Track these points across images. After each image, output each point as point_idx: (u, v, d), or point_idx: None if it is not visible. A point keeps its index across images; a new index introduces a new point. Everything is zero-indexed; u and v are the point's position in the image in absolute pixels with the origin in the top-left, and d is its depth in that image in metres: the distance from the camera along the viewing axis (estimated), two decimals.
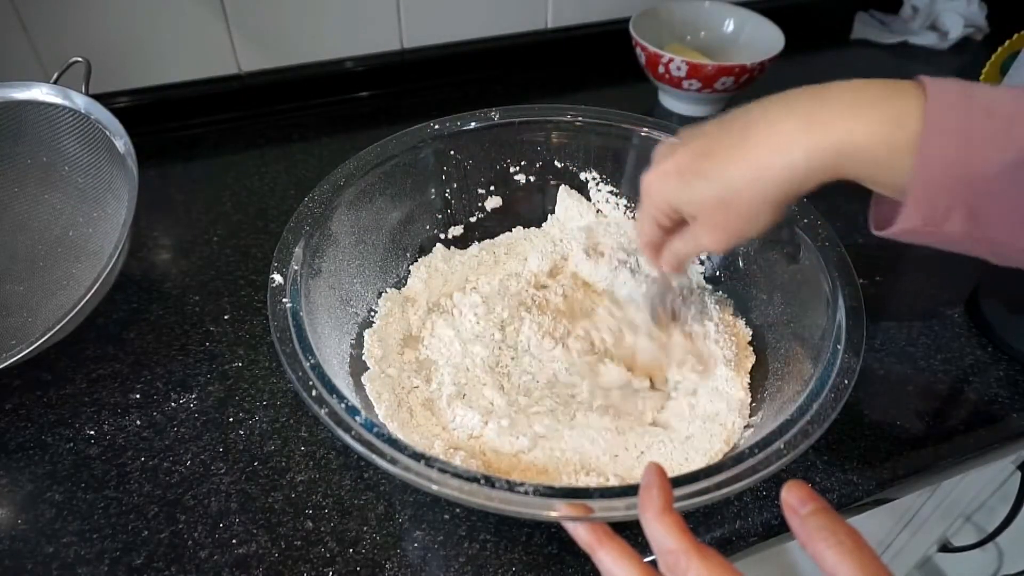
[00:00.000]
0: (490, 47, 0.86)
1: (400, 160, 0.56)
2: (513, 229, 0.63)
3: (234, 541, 0.44)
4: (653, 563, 0.32)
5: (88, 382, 0.53)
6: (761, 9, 0.83)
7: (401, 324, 0.54)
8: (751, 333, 0.54)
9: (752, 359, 0.52)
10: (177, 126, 0.78)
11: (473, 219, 0.62)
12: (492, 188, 0.61)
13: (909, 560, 0.89)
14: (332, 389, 0.40)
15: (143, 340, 0.56)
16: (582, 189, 0.62)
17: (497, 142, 0.60)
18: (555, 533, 0.45)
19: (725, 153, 0.38)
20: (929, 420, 0.52)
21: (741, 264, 0.57)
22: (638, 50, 0.78)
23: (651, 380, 0.51)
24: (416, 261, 0.59)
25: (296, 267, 0.47)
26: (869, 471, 0.49)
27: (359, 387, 0.48)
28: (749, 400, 0.49)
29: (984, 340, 0.58)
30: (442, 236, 0.61)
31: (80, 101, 0.57)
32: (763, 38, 0.80)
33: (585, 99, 0.78)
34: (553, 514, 0.34)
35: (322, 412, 0.38)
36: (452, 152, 0.58)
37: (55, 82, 0.58)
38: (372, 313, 0.54)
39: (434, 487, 0.35)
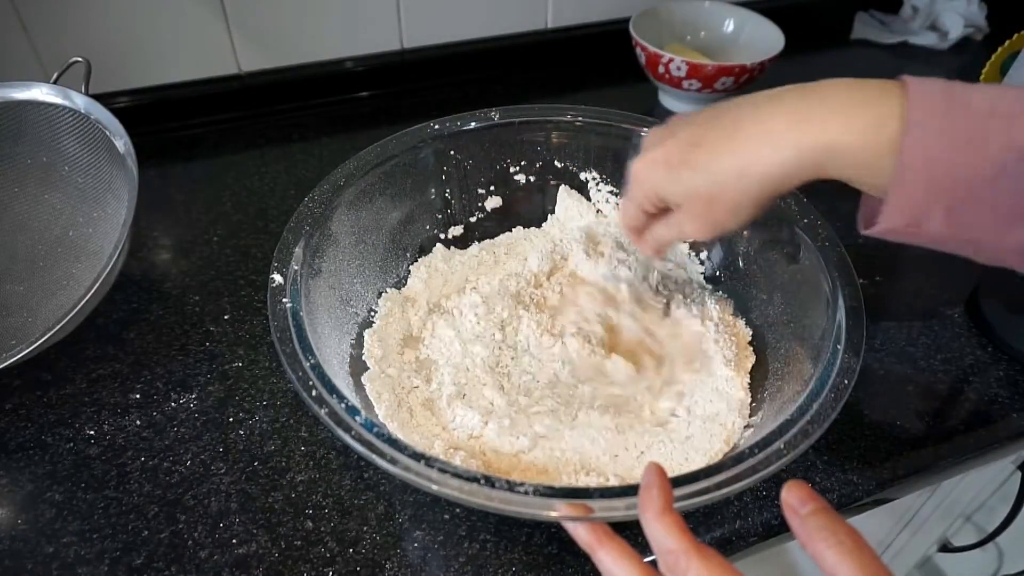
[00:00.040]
0: (490, 47, 0.86)
1: (400, 160, 0.56)
2: (513, 229, 0.63)
3: (234, 541, 0.44)
4: (653, 563, 0.32)
5: (88, 382, 0.53)
6: (761, 9, 0.83)
7: (401, 324, 0.54)
8: (751, 333, 0.54)
9: (752, 359, 0.52)
10: (177, 126, 0.78)
11: (473, 219, 0.62)
12: (492, 188, 0.61)
13: (909, 560, 0.89)
14: (332, 389, 0.40)
15: (143, 340, 0.56)
16: (582, 189, 0.62)
17: (497, 142, 0.60)
18: (555, 533, 0.45)
19: (713, 146, 0.38)
20: (929, 420, 0.52)
21: (741, 264, 0.57)
22: (638, 50, 0.78)
23: (635, 364, 0.51)
24: (416, 261, 0.59)
25: (296, 267, 0.47)
26: (869, 471, 0.49)
27: (359, 387, 0.48)
28: (749, 400, 0.49)
29: (984, 340, 0.58)
30: (442, 236, 0.61)
31: (80, 101, 0.57)
32: (763, 38, 0.80)
33: (585, 99, 0.78)
34: (553, 514, 0.34)
35: (322, 412, 0.38)
36: (452, 152, 0.58)
37: (55, 82, 0.58)
38: (372, 313, 0.54)
39: (434, 487, 0.35)
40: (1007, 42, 0.78)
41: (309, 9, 0.76)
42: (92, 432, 0.50)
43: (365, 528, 0.45)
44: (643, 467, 0.34)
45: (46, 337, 0.48)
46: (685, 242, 0.60)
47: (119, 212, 0.55)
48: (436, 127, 0.57)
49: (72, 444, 0.49)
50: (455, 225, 0.61)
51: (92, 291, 0.49)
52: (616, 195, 0.62)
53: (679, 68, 0.74)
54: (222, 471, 0.48)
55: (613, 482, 0.45)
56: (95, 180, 0.59)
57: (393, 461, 0.36)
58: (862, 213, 0.39)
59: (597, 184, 0.62)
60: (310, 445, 0.49)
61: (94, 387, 0.53)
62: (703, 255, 0.60)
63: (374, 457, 0.36)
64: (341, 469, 0.48)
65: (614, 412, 0.48)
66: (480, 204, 0.62)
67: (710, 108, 0.41)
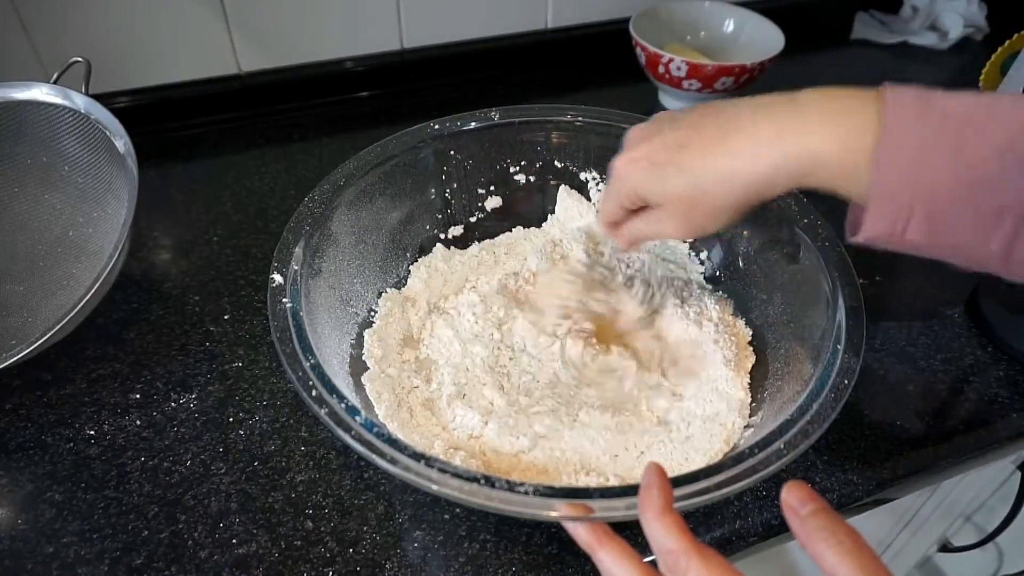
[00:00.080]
0: (490, 47, 0.86)
1: (400, 160, 0.56)
2: (513, 229, 0.63)
3: (234, 541, 0.44)
4: (653, 563, 0.32)
5: (88, 382, 0.53)
6: (761, 9, 0.83)
7: (401, 324, 0.54)
8: (751, 333, 0.54)
9: (752, 359, 0.52)
10: (177, 126, 0.78)
11: (473, 219, 0.62)
12: (492, 188, 0.61)
13: (909, 560, 0.89)
14: (332, 389, 0.40)
15: (143, 340, 0.56)
16: (582, 189, 0.62)
17: (497, 142, 0.60)
18: (555, 533, 0.45)
19: (699, 149, 0.39)
20: (929, 420, 0.52)
21: (741, 264, 0.57)
22: (638, 50, 0.78)
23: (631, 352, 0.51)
24: (416, 261, 0.59)
25: (296, 267, 0.47)
26: (869, 471, 0.49)
27: (359, 387, 0.48)
28: (749, 400, 0.49)
29: (984, 340, 0.58)
30: (442, 236, 0.61)
31: (80, 101, 0.57)
32: (763, 38, 0.80)
33: (585, 99, 0.78)
34: (553, 514, 0.34)
35: (322, 412, 0.38)
36: (452, 152, 0.58)
37: (55, 82, 0.58)
38: (372, 313, 0.54)
39: (434, 487, 0.35)
40: (1007, 42, 0.78)
41: (309, 9, 0.76)
42: (92, 432, 0.50)
43: (365, 528, 0.45)
44: (643, 467, 0.34)
45: (46, 337, 0.48)
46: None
47: (119, 212, 0.55)
48: (436, 127, 0.57)
49: (72, 444, 0.49)
50: (455, 225, 0.61)
51: (92, 291, 0.49)
52: None
53: (679, 68, 0.74)
54: (222, 471, 0.48)
55: (613, 482, 0.45)
56: (95, 180, 0.59)
57: (393, 461, 0.36)
58: (849, 221, 0.39)
59: (597, 184, 0.62)
60: (310, 445, 0.49)
61: (94, 387, 0.53)
62: (703, 255, 0.60)
63: (374, 457, 0.36)
64: (341, 469, 0.48)
65: (614, 412, 0.48)
66: (480, 204, 0.62)
67: (696, 109, 0.41)
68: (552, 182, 0.62)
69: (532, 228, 0.63)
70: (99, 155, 0.58)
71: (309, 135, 0.78)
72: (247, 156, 0.75)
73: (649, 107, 0.83)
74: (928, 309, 0.60)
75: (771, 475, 0.37)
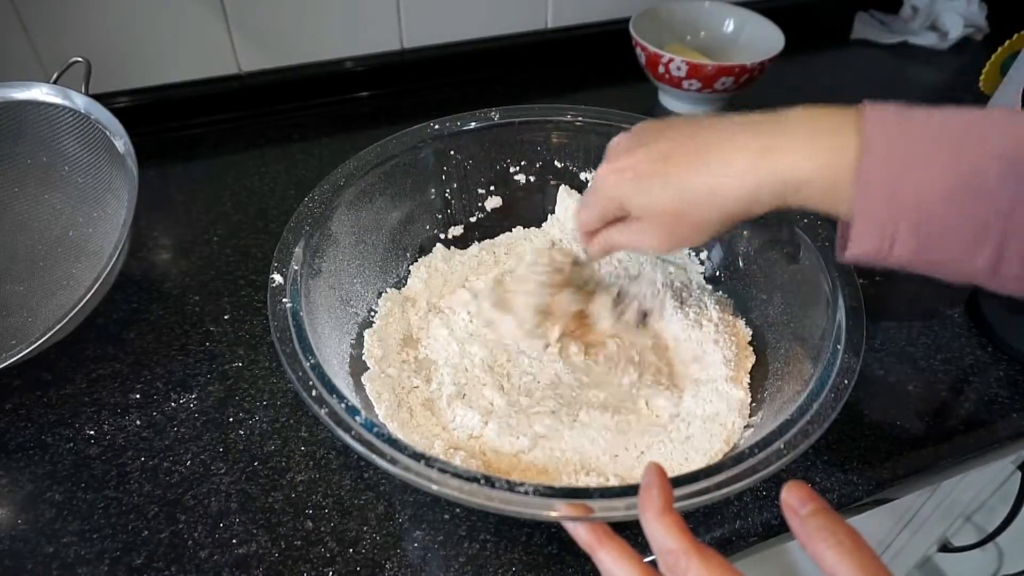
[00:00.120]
0: (490, 47, 0.86)
1: (400, 160, 0.56)
2: (513, 229, 0.63)
3: (234, 541, 0.44)
4: (653, 563, 0.32)
5: (88, 382, 0.53)
6: (761, 9, 0.83)
7: (401, 324, 0.54)
8: (751, 333, 0.54)
9: (752, 359, 0.52)
10: (177, 126, 0.78)
11: (473, 219, 0.62)
12: (492, 188, 0.61)
13: (909, 560, 0.89)
14: (332, 389, 0.40)
15: (143, 340, 0.56)
16: (582, 189, 0.62)
17: (497, 142, 0.60)
18: (555, 533, 0.45)
19: (686, 163, 0.38)
20: (929, 420, 0.52)
21: (741, 264, 0.57)
22: (638, 50, 0.78)
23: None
24: (416, 261, 0.59)
25: (296, 267, 0.47)
26: (869, 471, 0.49)
27: (359, 387, 0.48)
28: (749, 400, 0.49)
29: (984, 340, 0.58)
30: (442, 236, 0.61)
31: (80, 101, 0.57)
32: (763, 38, 0.80)
33: (585, 99, 0.78)
34: (553, 514, 0.34)
35: (322, 412, 0.38)
36: (452, 152, 0.58)
37: (55, 82, 0.58)
38: (372, 313, 0.54)
39: (434, 487, 0.35)
40: (1007, 42, 0.78)
41: (309, 9, 0.76)
42: (92, 432, 0.50)
43: (365, 528, 0.45)
44: (643, 467, 0.34)
45: (46, 337, 0.48)
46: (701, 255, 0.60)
47: (119, 212, 0.55)
48: (436, 127, 0.57)
49: (72, 444, 0.49)
50: (455, 225, 0.61)
51: (92, 291, 0.49)
52: None
53: (679, 68, 0.74)
54: (222, 471, 0.48)
55: (613, 482, 0.45)
56: (95, 180, 0.59)
57: (393, 461, 0.36)
58: (838, 240, 0.39)
59: None
60: (310, 445, 0.49)
61: (94, 387, 0.53)
62: (703, 255, 0.60)
63: (374, 457, 0.36)
64: (341, 469, 0.48)
65: (614, 412, 0.48)
66: (480, 204, 0.62)
67: (682, 122, 0.41)
68: (552, 182, 0.62)
69: (532, 228, 0.63)
70: (99, 155, 0.58)
71: (309, 135, 0.78)
72: (247, 156, 0.75)
73: (649, 107, 0.83)
74: (928, 309, 0.60)
75: (771, 475, 0.37)
